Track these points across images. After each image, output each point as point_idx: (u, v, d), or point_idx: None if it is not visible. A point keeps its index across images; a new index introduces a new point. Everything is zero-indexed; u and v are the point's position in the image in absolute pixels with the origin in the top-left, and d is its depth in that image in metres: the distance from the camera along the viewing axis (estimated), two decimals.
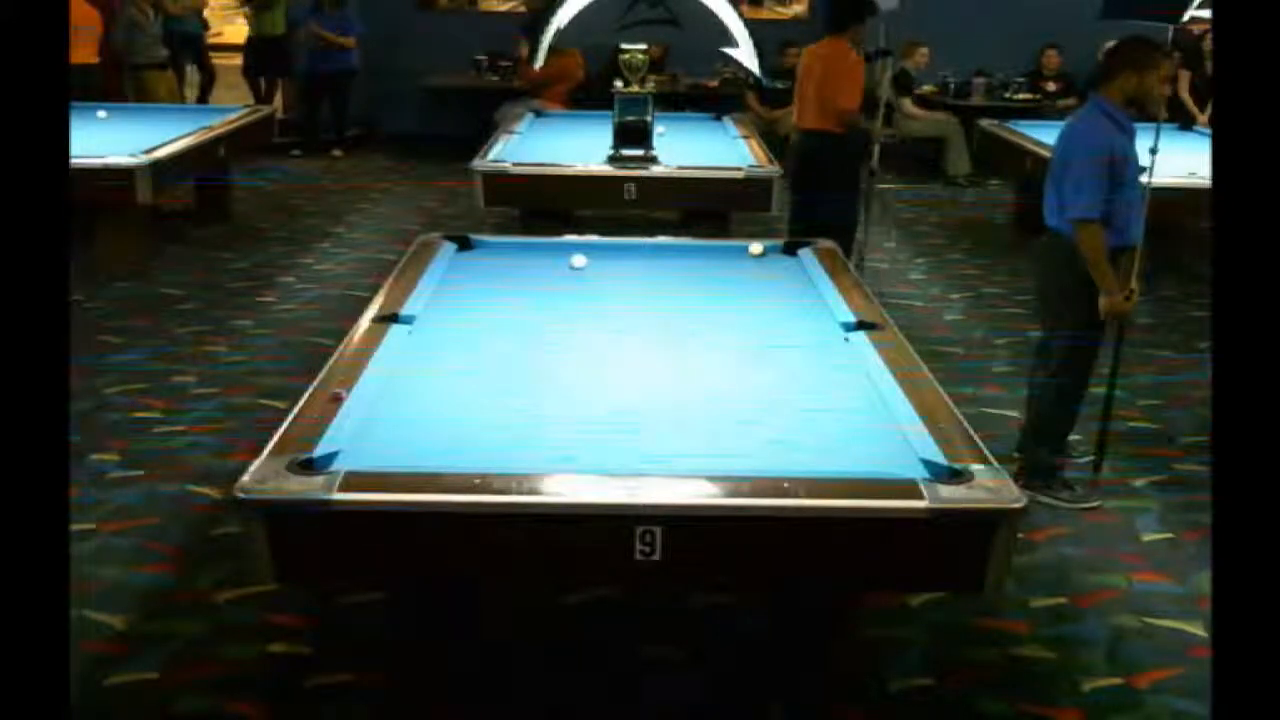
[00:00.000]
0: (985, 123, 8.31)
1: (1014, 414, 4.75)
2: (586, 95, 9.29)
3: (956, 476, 2.37)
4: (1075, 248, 3.86)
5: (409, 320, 3.39)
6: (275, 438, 2.49)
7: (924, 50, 9.78)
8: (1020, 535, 3.61)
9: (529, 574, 2.53)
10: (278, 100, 10.91)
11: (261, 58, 10.66)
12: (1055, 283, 4.03)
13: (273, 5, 10.51)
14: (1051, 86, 10.20)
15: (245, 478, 2.29)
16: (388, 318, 3.37)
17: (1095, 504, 4.11)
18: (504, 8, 11.45)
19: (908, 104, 9.99)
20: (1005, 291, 6.76)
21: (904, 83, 9.79)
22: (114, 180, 5.70)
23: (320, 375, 2.90)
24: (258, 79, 10.79)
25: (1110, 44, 4.47)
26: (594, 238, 4.58)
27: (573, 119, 7.97)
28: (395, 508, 2.27)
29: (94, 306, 5.76)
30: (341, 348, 3.14)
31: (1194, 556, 3.75)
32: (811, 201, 6.17)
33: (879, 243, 7.89)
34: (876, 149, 6.21)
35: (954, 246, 7.86)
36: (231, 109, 8.04)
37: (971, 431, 2.63)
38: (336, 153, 10.48)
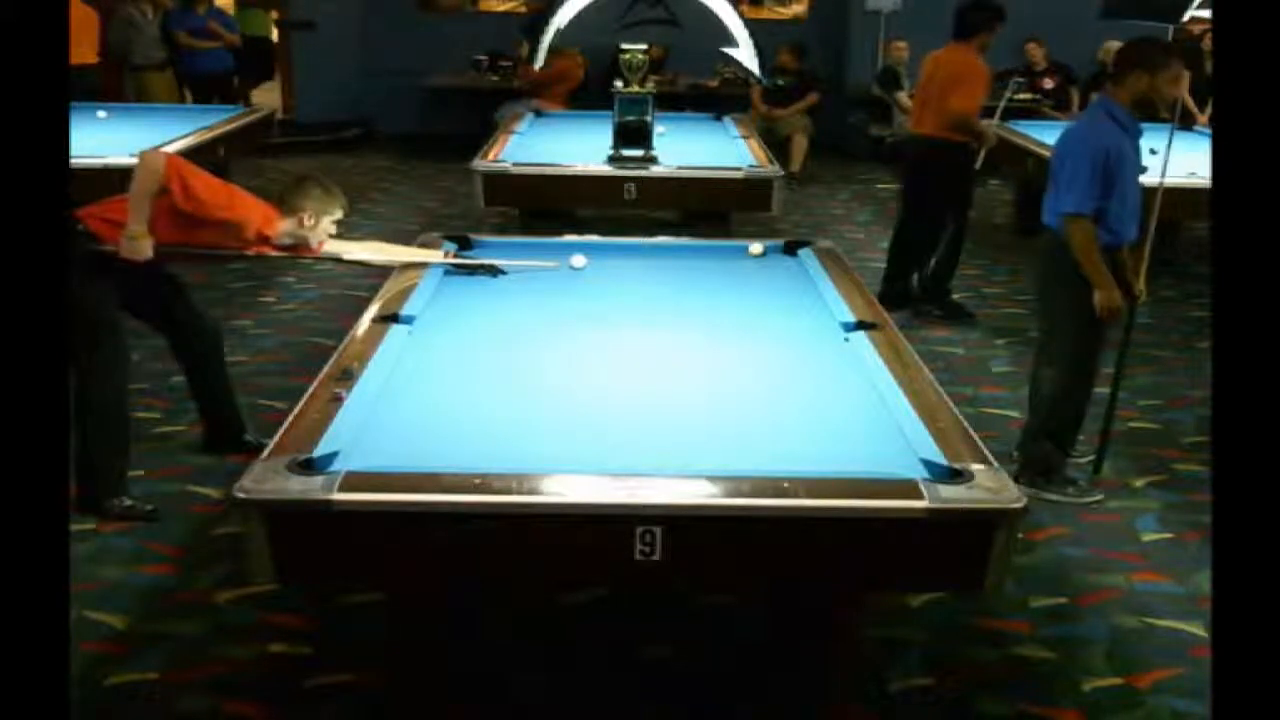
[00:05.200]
0: (985, 123, 8.30)
1: (1014, 414, 4.75)
2: (587, 95, 9.30)
3: (956, 476, 2.37)
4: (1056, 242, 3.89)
5: (409, 320, 3.39)
6: (275, 438, 2.50)
7: (901, 44, 9.74)
8: (1020, 535, 3.62)
9: (529, 574, 2.53)
10: (275, 99, 10.90)
11: (242, 58, 10.61)
12: (1054, 281, 4.04)
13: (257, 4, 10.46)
14: (1049, 83, 10.10)
15: (245, 478, 2.29)
16: (388, 318, 3.37)
17: (1098, 497, 4.11)
18: (504, 8, 11.46)
19: (904, 99, 9.99)
20: (1005, 291, 6.77)
21: (889, 79, 9.79)
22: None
23: (320, 375, 2.91)
24: (243, 80, 10.77)
25: (1113, 44, 4.46)
26: (594, 238, 4.58)
27: (573, 119, 7.97)
28: (395, 508, 2.27)
29: None
30: (342, 348, 3.14)
31: (1194, 556, 3.75)
32: (920, 207, 6.22)
33: (878, 241, 7.89)
34: (982, 153, 6.12)
35: None
36: (230, 109, 8.03)
37: (971, 431, 2.63)
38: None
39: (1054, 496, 4.09)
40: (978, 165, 6.14)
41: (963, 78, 5.98)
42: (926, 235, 6.24)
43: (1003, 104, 6.34)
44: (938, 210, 6.18)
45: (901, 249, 6.38)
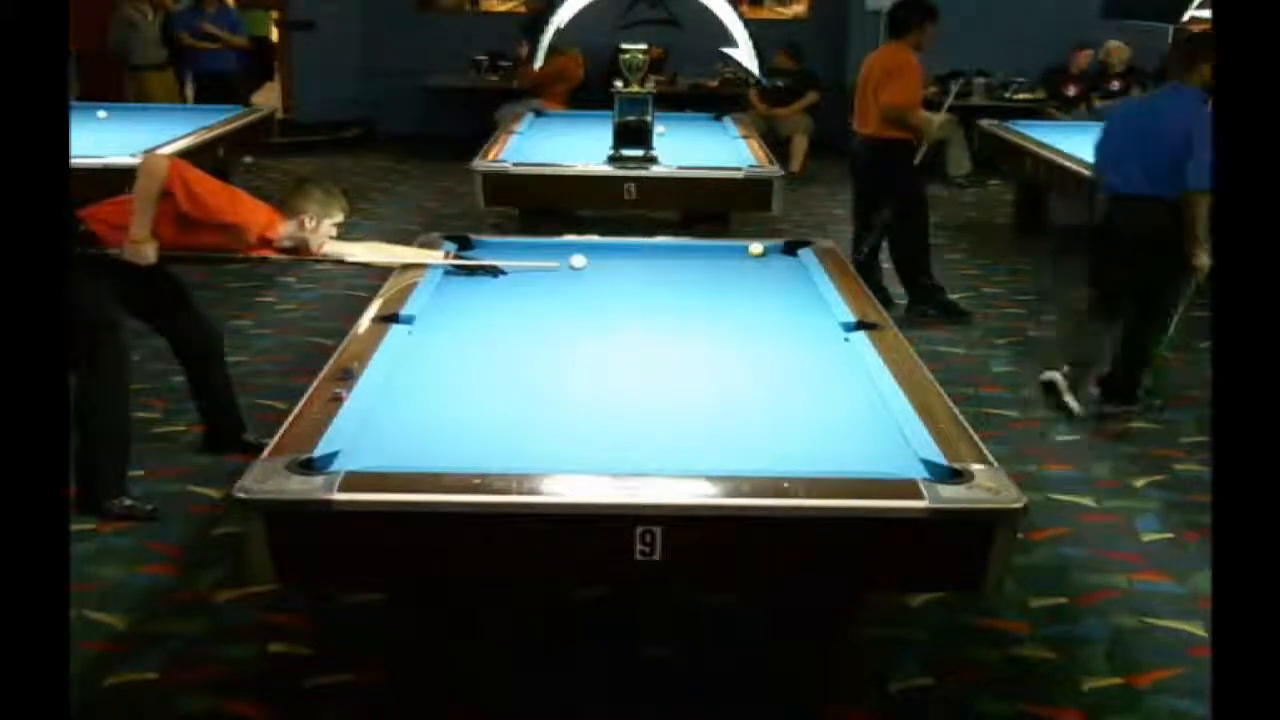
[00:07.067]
0: (985, 123, 8.31)
1: (1014, 414, 4.76)
2: (587, 95, 9.30)
3: (956, 476, 2.37)
4: (1177, 210, 4.40)
5: (409, 320, 3.39)
6: (275, 438, 2.50)
7: None
8: (1020, 535, 3.62)
9: (529, 574, 2.53)
10: (275, 99, 10.88)
11: (244, 59, 10.58)
12: (1171, 240, 4.47)
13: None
14: (1072, 90, 9.94)
15: (245, 478, 2.29)
16: (388, 318, 3.37)
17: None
18: (504, 8, 11.45)
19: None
20: (1005, 291, 6.76)
21: None
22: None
23: (320, 375, 2.91)
24: (243, 81, 10.73)
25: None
26: (594, 238, 4.58)
27: (573, 119, 7.97)
28: (395, 508, 2.28)
29: None
30: (341, 348, 3.14)
31: (1194, 556, 3.75)
32: (872, 209, 6.17)
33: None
34: (923, 149, 6.11)
35: (954, 246, 7.84)
36: (231, 109, 8.03)
37: (971, 431, 2.63)
38: (247, 159, 9.50)
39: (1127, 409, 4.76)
40: (918, 160, 6.09)
41: (894, 74, 5.95)
42: (898, 231, 6.19)
43: (946, 103, 6.34)
44: (904, 207, 6.11)
45: (862, 257, 6.29)
